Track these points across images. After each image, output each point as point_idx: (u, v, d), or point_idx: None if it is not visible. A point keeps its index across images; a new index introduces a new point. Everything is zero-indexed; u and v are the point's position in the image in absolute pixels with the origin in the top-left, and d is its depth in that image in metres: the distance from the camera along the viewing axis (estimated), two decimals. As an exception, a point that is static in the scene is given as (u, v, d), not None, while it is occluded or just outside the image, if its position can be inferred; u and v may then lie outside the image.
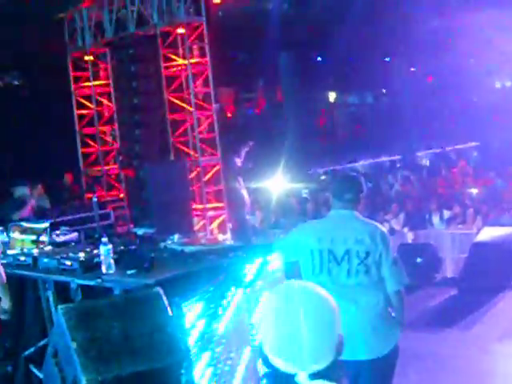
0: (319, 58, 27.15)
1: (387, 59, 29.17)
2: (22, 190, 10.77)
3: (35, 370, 6.59)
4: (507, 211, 14.56)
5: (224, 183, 15.17)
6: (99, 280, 5.90)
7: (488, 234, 12.95)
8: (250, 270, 6.01)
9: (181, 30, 15.02)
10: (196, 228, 14.62)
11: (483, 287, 11.60)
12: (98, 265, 6.13)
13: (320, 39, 22.31)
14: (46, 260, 6.69)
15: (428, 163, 27.64)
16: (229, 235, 14.87)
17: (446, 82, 26.74)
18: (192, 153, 15.26)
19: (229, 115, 25.94)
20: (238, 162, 14.23)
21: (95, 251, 6.46)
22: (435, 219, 15.52)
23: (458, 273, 12.92)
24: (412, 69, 29.63)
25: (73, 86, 17.19)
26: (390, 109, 27.92)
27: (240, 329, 5.82)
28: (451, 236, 14.55)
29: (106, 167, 17.06)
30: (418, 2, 17.55)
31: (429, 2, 17.56)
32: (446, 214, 15.50)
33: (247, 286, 5.93)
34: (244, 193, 14.17)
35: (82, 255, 6.49)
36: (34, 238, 7.51)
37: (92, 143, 17.18)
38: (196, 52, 15.66)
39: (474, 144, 28.59)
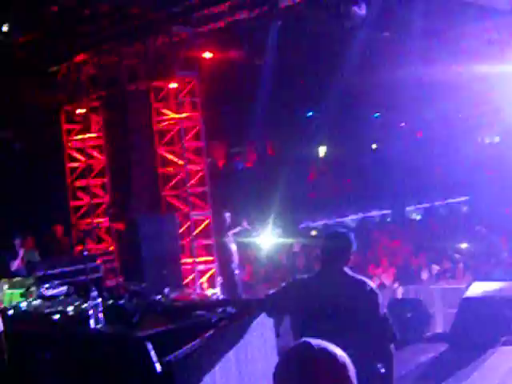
0: (310, 113, 27.35)
1: (377, 114, 29.41)
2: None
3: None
4: (497, 266, 14.58)
5: (214, 237, 15.17)
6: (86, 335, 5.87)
7: (478, 288, 12.94)
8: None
9: (173, 85, 15.15)
10: (186, 282, 14.56)
11: (473, 343, 11.55)
12: (87, 318, 6.10)
13: (311, 94, 22.50)
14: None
15: (418, 218, 27.73)
16: (219, 289, 14.82)
17: (435, 137, 26.94)
18: (182, 206, 15.28)
19: (219, 169, 26.02)
20: (228, 216, 14.26)
21: (84, 305, 6.44)
22: (424, 274, 15.52)
23: (448, 328, 12.87)
24: (401, 124, 29.85)
25: (64, 139, 17.25)
26: (380, 163, 28.03)
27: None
28: (441, 291, 14.53)
29: (97, 220, 17.05)
30: (408, 58, 17.74)
31: (419, 58, 17.75)
32: (435, 268, 15.51)
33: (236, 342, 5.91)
34: (233, 247, 14.17)
35: (70, 309, 6.47)
36: (22, 291, 7.47)
37: (82, 196, 17.18)
38: (187, 106, 15.78)
39: (463, 199, 28.72)
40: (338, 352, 2.46)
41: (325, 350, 2.44)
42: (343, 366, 2.43)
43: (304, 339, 2.50)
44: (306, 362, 2.40)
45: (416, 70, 18.25)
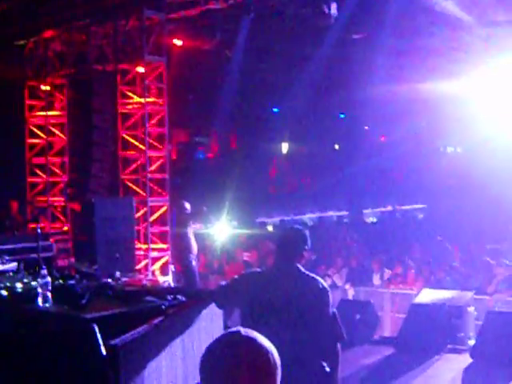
0: (275, 109, 27.37)
1: (342, 116, 29.54)
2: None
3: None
4: (448, 274, 14.72)
5: (171, 225, 15.12)
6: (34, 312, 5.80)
7: (427, 295, 13.06)
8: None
9: (140, 69, 15.04)
10: (138, 267, 14.49)
11: (420, 349, 11.66)
12: (35, 296, 6.03)
13: (277, 90, 22.52)
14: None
15: (374, 221, 27.93)
16: (170, 277, 14.77)
17: (397, 143, 27.14)
18: (141, 192, 15.19)
19: (181, 157, 25.92)
20: (187, 205, 14.20)
21: (33, 283, 6.36)
22: (375, 278, 15.64)
23: (396, 332, 12.97)
24: (365, 127, 30.03)
25: (27, 114, 17.07)
26: (342, 164, 28.18)
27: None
28: (391, 295, 14.66)
29: (53, 198, 16.90)
30: (373, 66, 17.88)
31: (385, 67, 17.89)
32: (387, 272, 15.63)
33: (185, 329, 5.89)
34: (192, 237, 14.11)
35: (18, 286, 6.39)
36: (-29, 264, 7.38)
37: (41, 173, 17.01)
38: (153, 91, 15.68)
39: (420, 206, 28.98)
40: (267, 345, 2.44)
41: (252, 340, 2.42)
42: (267, 359, 2.42)
43: (236, 328, 2.49)
44: (230, 348, 2.40)
45: (384, 75, 18.39)
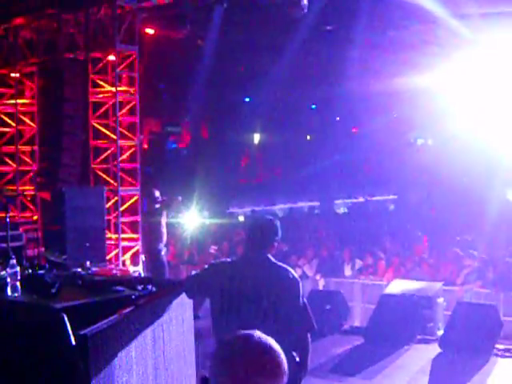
0: (247, 99, 27.36)
1: (313, 106, 29.59)
2: None
3: None
4: (418, 265, 14.83)
5: (142, 215, 15.06)
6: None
7: (397, 286, 13.16)
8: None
9: (112, 58, 14.95)
10: (108, 257, 14.43)
11: (389, 339, 11.75)
12: (4, 286, 5.98)
13: (249, 80, 22.50)
14: None
15: (345, 211, 28.04)
16: (141, 267, 14.73)
17: (369, 135, 27.24)
18: (111, 181, 15.12)
19: (152, 147, 25.83)
20: (157, 193, 14.12)
21: (2, 272, 6.31)
22: (347, 268, 15.71)
23: (366, 322, 13.06)
24: (337, 118, 30.11)
25: (-4, 102, 16.92)
26: (312, 155, 28.25)
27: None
28: (361, 286, 14.74)
29: (22, 187, 16.77)
30: (345, 58, 17.93)
31: (357, 59, 17.96)
32: (358, 263, 15.70)
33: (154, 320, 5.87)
34: (164, 227, 14.04)
35: (-14, 275, 6.33)
36: None
37: (10, 162, 16.87)
38: (125, 80, 15.59)
39: (391, 197, 29.14)
40: (277, 348, 2.57)
41: (267, 347, 2.55)
42: (282, 372, 2.51)
43: (248, 332, 2.59)
44: (243, 356, 2.47)
45: (356, 68, 18.44)
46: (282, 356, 2.54)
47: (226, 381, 2.43)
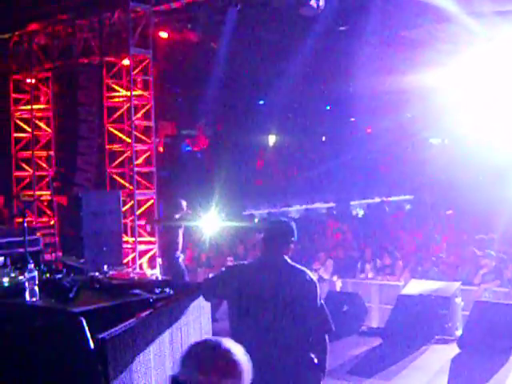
0: (261, 101, 27.34)
1: (328, 108, 29.53)
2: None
3: None
4: (435, 265, 14.78)
5: (161, 220, 15.07)
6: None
7: (415, 286, 13.10)
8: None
9: (126, 62, 15.00)
10: (125, 261, 14.46)
11: (407, 339, 11.70)
12: (22, 291, 6.01)
13: (264, 82, 22.49)
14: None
15: (361, 212, 27.97)
16: (158, 270, 14.75)
17: (384, 135, 27.16)
18: (127, 185, 15.16)
19: (167, 150, 25.87)
20: (184, 204, 13.92)
21: (20, 277, 6.34)
22: (363, 269, 15.66)
23: (384, 323, 13.01)
24: (352, 119, 30.03)
25: (12, 108, 16.99)
26: (328, 156, 28.21)
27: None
28: (379, 286, 14.70)
29: (39, 193, 16.84)
30: (359, 58, 17.88)
31: (371, 58, 17.91)
32: (376, 263, 15.66)
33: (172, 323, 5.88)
34: (181, 233, 13.98)
35: (5, 280, 6.36)
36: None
37: (27, 167, 16.95)
38: (140, 84, 15.64)
39: (407, 197, 29.04)
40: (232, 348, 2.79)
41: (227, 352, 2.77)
42: (236, 362, 2.78)
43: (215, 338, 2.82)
44: (204, 361, 2.73)
45: (370, 67, 18.39)
46: (239, 356, 2.76)
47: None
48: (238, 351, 2.79)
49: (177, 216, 13.63)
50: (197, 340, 2.82)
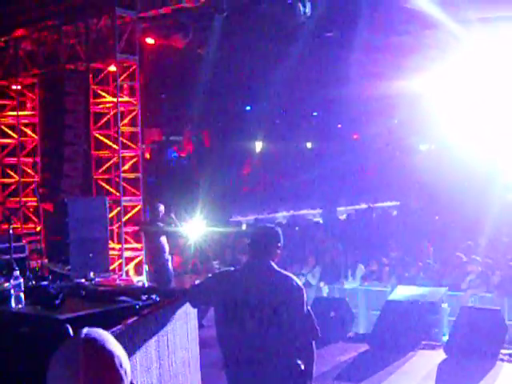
0: (248, 108, 27.37)
1: (315, 113, 29.59)
2: None
3: None
4: (422, 271, 14.81)
5: (141, 224, 15.04)
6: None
7: (401, 292, 13.13)
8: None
9: (112, 68, 14.97)
10: (112, 267, 14.41)
11: (394, 345, 11.73)
12: (8, 298, 5.98)
13: (250, 89, 22.52)
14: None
15: (347, 218, 27.96)
16: (144, 277, 14.71)
17: (371, 141, 27.24)
18: (114, 191, 15.12)
19: (154, 157, 25.86)
20: (162, 208, 14.00)
21: (6, 284, 6.31)
22: (350, 275, 15.68)
23: (370, 329, 13.03)
24: (338, 125, 30.11)
25: (-3, 114, 16.95)
26: (314, 162, 28.26)
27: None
28: (366, 292, 14.71)
29: (25, 199, 16.77)
30: (346, 64, 17.94)
31: (358, 64, 17.96)
32: (361, 270, 15.66)
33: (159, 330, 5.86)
34: (164, 238, 13.98)
35: (-10, 287, 6.33)
36: None
37: (12, 174, 16.89)
38: (126, 91, 15.62)
39: (394, 203, 29.09)
40: (110, 347, 2.34)
41: (94, 342, 2.34)
42: (110, 354, 2.32)
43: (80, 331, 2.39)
44: (71, 351, 2.36)
45: (357, 73, 18.43)
46: (120, 356, 2.36)
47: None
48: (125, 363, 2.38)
49: (158, 218, 13.66)
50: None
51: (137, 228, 15.14)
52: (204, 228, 15.37)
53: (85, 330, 2.36)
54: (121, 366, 2.34)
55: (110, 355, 2.32)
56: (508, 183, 19.90)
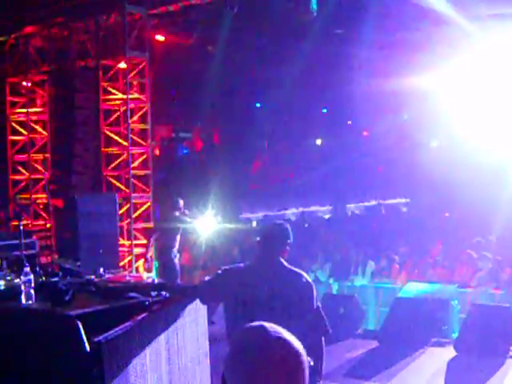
0: (258, 104, 27.34)
1: (324, 110, 29.54)
2: None
3: None
4: (432, 268, 14.77)
5: (155, 221, 15.05)
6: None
7: (411, 289, 13.12)
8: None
9: (122, 65, 14.99)
10: (122, 264, 14.44)
11: (403, 342, 11.71)
12: (18, 294, 6.00)
13: (260, 85, 22.50)
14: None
15: (357, 213, 27.94)
16: (154, 273, 14.72)
17: (381, 137, 27.15)
18: (124, 188, 15.15)
19: (164, 153, 25.86)
20: (182, 203, 13.81)
21: (16, 280, 6.33)
22: (360, 272, 15.65)
23: (380, 326, 13.01)
24: (348, 122, 30.04)
25: (8, 111, 16.97)
26: (325, 159, 28.20)
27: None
28: (375, 289, 14.69)
29: (35, 196, 16.82)
30: (356, 61, 17.91)
31: (367, 61, 17.93)
32: (371, 266, 15.63)
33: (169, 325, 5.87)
34: (179, 234, 13.89)
35: (1, 283, 6.35)
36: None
37: (23, 170, 16.93)
38: (136, 87, 15.64)
39: (404, 200, 29.04)
40: (296, 345, 2.29)
41: (283, 341, 2.28)
42: (301, 361, 2.27)
43: (258, 323, 2.37)
44: (261, 348, 2.26)
45: (367, 70, 18.40)
46: (299, 347, 2.29)
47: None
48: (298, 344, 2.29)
49: (177, 213, 13.50)
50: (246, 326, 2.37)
51: (148, 225, 15.13)
52: (215, 225, 15.37)
53: (268, 326, 2.33)
54: (305, 362, 2.29)
55: (297, 354, 2.28)
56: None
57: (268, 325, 2.35)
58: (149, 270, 14.96)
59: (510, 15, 15.32)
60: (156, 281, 8.56)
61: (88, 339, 4.92)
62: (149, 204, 15.28)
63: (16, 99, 17.11)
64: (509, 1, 15.27)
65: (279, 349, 2.26)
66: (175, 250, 13.73)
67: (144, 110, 15.25)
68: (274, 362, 2.23)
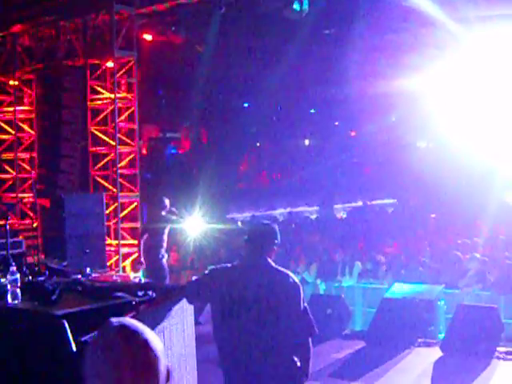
0: (246, 104, 27.36)
1: (312, 111, 29.57)
2: None
3: None
4: (419, 268, 14.80)
5: (142, 221, 15.03)
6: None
7: (398, 289, 13.14)
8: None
9: (110, 64, 14.96)
10: (109, 263, 14.40)
11: (390, 342, 11.73)
12: (4, 293, 5.97)
13: (248, 85, 22.51)
14: None
15: (344, 216, 27.98)
16: (141, 273, 14.67)
17: (368, 138, 27.21)
18: (111, 187, 15.11)
19: (151, 153, 25.83)
20: (167, 202, 13.71)
21: (2, 279, 6.30)
22: (347, 272, 15.67)
23: (367, 326, 13.03)
24: (336, 123, 30.09)
25: (-5, 110, 16.95)
26: (312, 159, 28.24)
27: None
28: (362, 289, 14.71)
29: (22, 195, 16.76)
30: (344, 62, 17.93)
31: (356, 62, 17.96)
32: (358, 267, 15.65)
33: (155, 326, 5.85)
34: (166, 234, 13.83)
35: (-13, 282, 6.32)
36: None
37: (9, 169, 16.87)
38: (123, 87, 15.61)
39: (391, 201, 29.10)
40: (145, 331, 2.32)
41: (126, 327, 2.33)
42: (145, 344, 2.27)
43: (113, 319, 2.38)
44: (106, 339, 2.31)
45: (355, 71, 18.42)
46: (159, 351, 2.30)
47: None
48: (158, 344, 2.31)
49: (163, 213, 13.43)
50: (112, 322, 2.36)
51: (135, 225, 15.10)
52: (203, 225, 15.34)
53: (114, 319, 2.37)
54: (155, 347, 2.30)
55: (143, 337, 2.29)
56: (505, 181, 19.90)
57: (120, 318, 2.40)
58: (136, 270, 14.92)
59: (496, 17, 15.39)
60: (143, 281, 8.54)
61: (74, 339, 4.91)
62: (136, 204, 15.25)
63: (3, 98, 17.05)
64: (495, 3, 15.34)
65: (123, 336, 2.29)
66: (163, 250, 13.66)
67: (131, 109, 15.22)
68: (119, 350, 2.25)
